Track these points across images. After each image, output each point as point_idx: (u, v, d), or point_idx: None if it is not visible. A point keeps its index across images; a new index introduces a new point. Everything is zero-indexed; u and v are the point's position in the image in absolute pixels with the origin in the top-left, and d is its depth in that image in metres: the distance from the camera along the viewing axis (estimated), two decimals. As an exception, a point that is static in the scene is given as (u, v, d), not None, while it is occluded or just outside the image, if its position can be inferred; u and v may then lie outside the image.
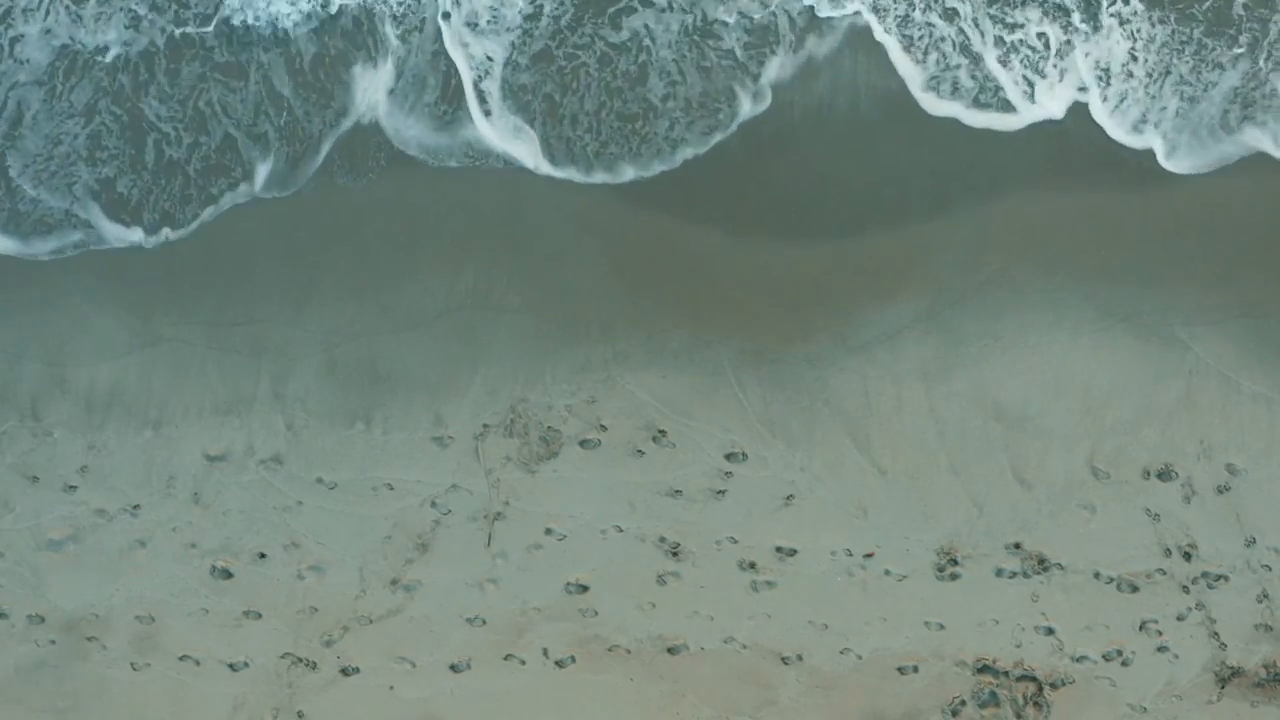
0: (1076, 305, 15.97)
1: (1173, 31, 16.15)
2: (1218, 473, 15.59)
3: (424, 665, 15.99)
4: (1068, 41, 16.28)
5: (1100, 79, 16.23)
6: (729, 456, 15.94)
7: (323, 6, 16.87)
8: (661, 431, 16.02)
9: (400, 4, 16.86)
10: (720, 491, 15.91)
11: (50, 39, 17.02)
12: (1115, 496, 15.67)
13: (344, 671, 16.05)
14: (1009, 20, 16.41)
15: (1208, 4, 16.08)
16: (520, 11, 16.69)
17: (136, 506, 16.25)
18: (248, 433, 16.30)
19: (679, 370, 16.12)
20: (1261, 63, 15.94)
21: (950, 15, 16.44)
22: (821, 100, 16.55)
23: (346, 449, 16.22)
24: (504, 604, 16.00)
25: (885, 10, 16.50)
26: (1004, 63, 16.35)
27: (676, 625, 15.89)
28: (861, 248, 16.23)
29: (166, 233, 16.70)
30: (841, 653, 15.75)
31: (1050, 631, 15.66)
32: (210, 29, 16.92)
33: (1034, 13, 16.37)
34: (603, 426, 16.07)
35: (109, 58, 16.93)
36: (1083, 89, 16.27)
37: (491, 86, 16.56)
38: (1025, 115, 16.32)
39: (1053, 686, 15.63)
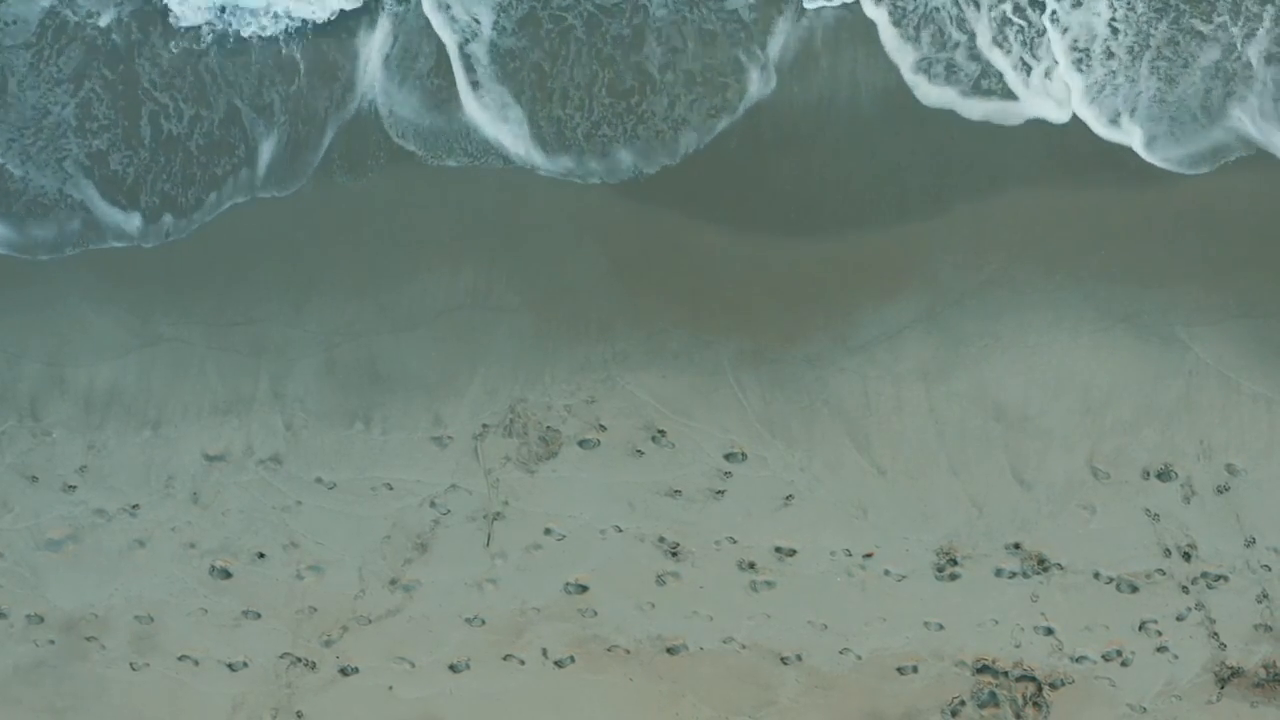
0: (1076, 305, 15.96)
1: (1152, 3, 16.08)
2: (1217, 473, 15.58)
3: (423, 665, 15.99)
4: (1053, 13, 16.17)
5: (1079, 62, 16.14)
6: (728, 456, 15.93)
7: None
8: (661, 431, 16.01)
9: None
10: (720, 492, 15.90)
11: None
12: (1115, 497, 15.66)
13: (343, 671, 16.04)
14: None
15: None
16: None
17: (136, 506, 16.25)
18: (247, 433, 16.29)
19: (678, 370, 16.11)
20: (1237, 31, 15.85)
21: None
22: (821, 99, 16.53)
23: (346, 449, 16.21)
24: (503, 604, 16.00)
25: None
26: (999, 43, 16.25)
27: (676, 625, 15.88)
28: (861, 248, 16.22)
29: (168, 221, 16.61)
30: (841, 653, 15.74)
31: (1050, 632, 15.65)
32: None
33: None
34: (602, 426, 16.06)
35: (103, 21, 16.71)
36: (1080, 57, 16.10)
37: (478, 50, 16.37)
38: (1023, 104, 16.23)
39: (1052, 687, 15.62)
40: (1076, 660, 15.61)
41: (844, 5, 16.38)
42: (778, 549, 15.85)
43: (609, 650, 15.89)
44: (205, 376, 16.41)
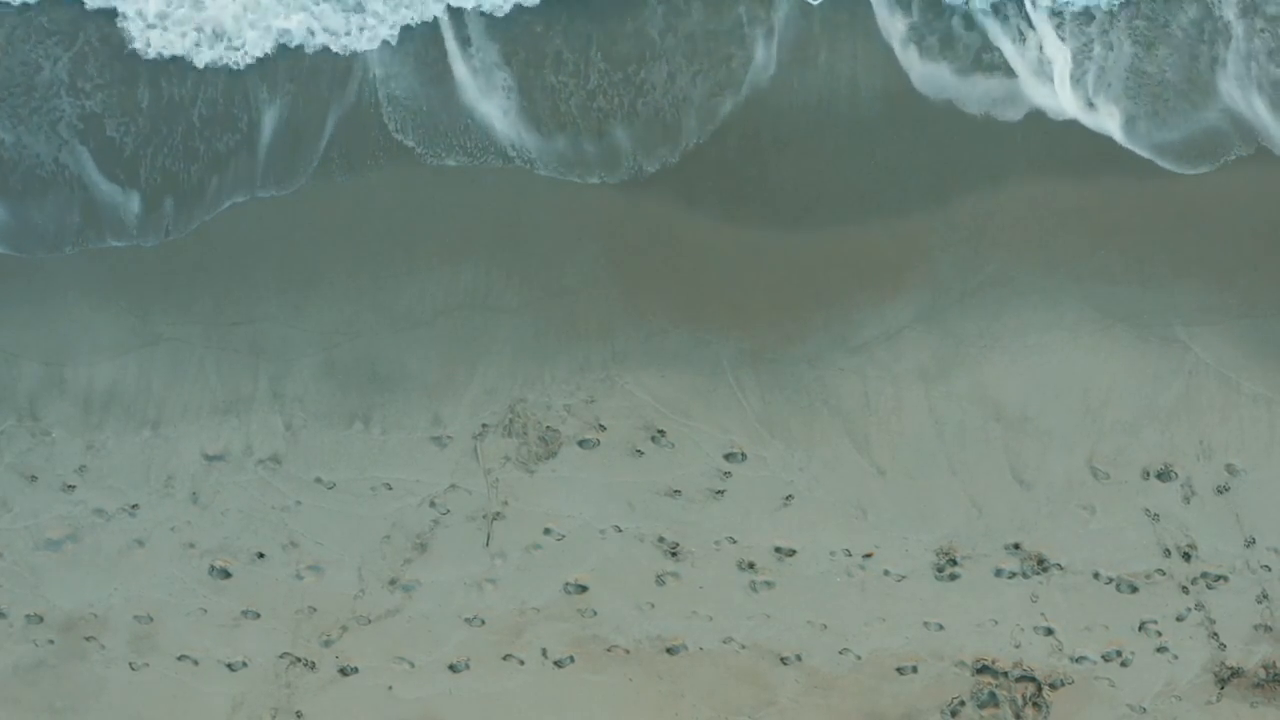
0: (1076, 305, 15.96)
1: None
2: (1217, 473, 15.58)
3: (423, 665, 15.98)
4: None
5: (1059, 27, 16.09)
6: (728, 456, 15.93)
7: None
8: (660, 431, 16.01)
9: None
10: (719, 492, 15.90)
11: None
12: (1115, 497, 15.66)
13: (343, 671, 16.04)
14: None
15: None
16: None
17: (135, 506, 16.24)
18: (246, 432, 16.28)
19: (678, 370, 16.11)
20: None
21: None
22: (821, 98, 16.53)
23: (345, 449, 16.21)
24: (503, 604, 15.99)
25: None
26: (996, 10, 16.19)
27: (675, 625, 15.88)
28: (861, 248, 16.22)
29: (169, 207, 16.55)
30: (840, 653, 15.74)
31: (1050, 632, 15.65)
32: None
33: None
34: (601, 426, 16.06)
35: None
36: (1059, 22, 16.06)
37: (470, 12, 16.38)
38: (1022, 82, 16.17)
39: (1052, 687, 15.62)
40: (1076, 660, 15.61)
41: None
42: (777, 549, 15.85)
43: (609, 650, 15.89)
44: (204, 376, 16.41)
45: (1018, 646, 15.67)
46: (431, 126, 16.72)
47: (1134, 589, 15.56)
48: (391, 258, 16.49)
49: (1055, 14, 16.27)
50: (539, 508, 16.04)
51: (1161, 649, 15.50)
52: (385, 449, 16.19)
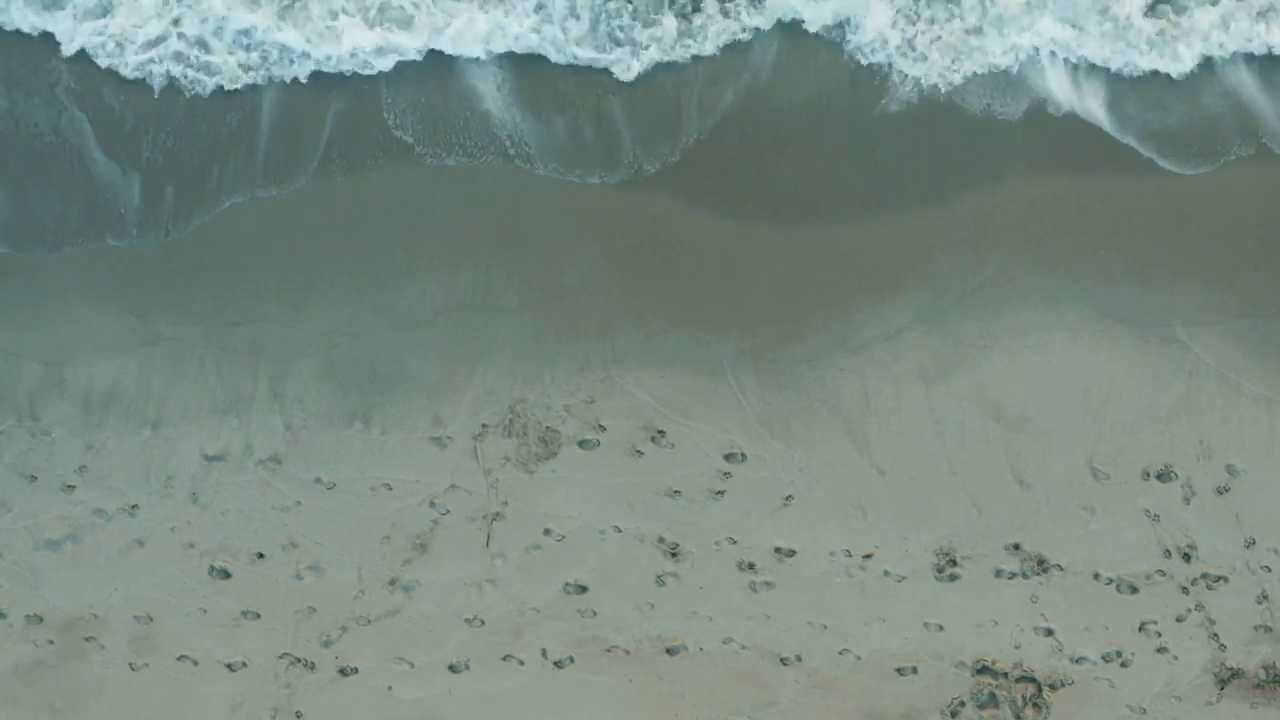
0: (1076, 305, 15.95)
1: None
2: (1217, 473, 15.58)
3: (422, 665, 15.99)
4: None
5: None
6: (728, 457, 15.92)
7: None
8: (660, 432, 16.00)
9: None
10: (719, 492, 15.89)
11: None
12: (1115, 497, 15.66)
13: (342, 672, 16.04)
14: None
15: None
16: None
17: (135, 506, 16.24)
18: (246, 432, 16.28)
19: (678, 370, 16.10)
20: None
21: None
22: (820, 98, 16.52)
23: (345, 449, 16.21)
24: (502, 604, 15.99)
25: None
26: None
27: (675, 626, 15.88)
28: (861, 247, 16.21)
29: (169, 198, 16.53)
30: (840, 653, 15.74)
31: (1050, 632, 15.65)
32: None
33: None
34: (601, 427, 16.05)
35: None
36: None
37: None
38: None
39: (1052, 688, 15.62)
40: (1076, 661, 15.61)
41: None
42: (777, 549, 15.84)
43: (608, 651, 15.89)
44: (204, 376, 16.40)
45: (1018, 647, 15.67)
46: (431, 120, 16.70)
47: (1134, 589, 15.56)
48: (391, 258, 16.48)
49: None
50: (539, 508, 16.04)
51: (1161, 650, 15.50)
52: (385, 449, 16.19)
